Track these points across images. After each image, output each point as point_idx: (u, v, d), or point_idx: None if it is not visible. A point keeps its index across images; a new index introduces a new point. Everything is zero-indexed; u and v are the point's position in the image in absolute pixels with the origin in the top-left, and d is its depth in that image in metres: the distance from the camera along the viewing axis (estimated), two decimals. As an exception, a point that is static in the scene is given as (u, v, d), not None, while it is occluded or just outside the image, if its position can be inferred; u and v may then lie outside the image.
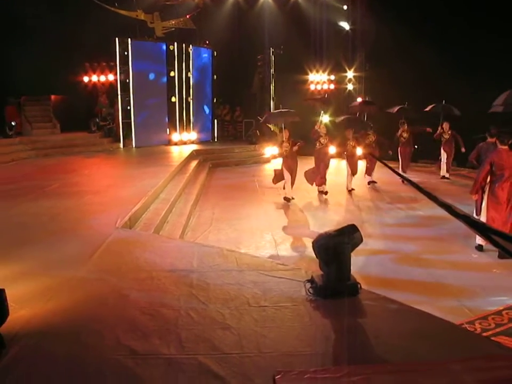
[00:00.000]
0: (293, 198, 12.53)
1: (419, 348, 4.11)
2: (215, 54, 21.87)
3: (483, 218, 8.52)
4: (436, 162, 16.48)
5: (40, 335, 4.29)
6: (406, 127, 15.68)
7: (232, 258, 6.41)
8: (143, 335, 4.31)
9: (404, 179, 11.15)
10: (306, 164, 13.54)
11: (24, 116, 18.69)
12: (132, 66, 18.74)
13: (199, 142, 21.03)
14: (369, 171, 14.83)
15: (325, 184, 13.31)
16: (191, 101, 20.86)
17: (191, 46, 20.53)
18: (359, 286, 5.12)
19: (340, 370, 3.63)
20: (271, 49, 22.28)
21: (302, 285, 5.25)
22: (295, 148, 12.45)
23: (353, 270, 5.20)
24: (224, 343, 4.17)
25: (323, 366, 3.80)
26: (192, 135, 20.91)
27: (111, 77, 20.20)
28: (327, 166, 13.44)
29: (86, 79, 20.44)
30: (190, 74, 20.64)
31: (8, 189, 10.75)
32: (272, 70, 22.59)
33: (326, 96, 20.25)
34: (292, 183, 12.62)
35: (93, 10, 17.26)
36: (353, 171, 13.80)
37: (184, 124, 20.71)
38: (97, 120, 19.80)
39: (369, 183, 14.65)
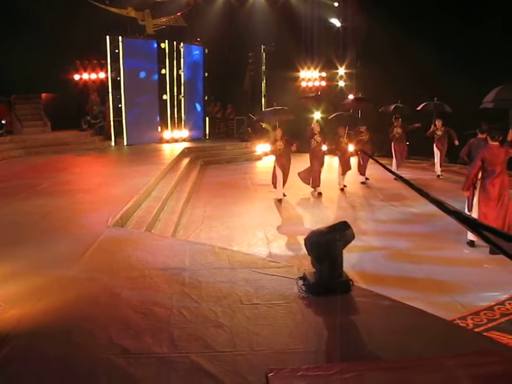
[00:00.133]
0: (284, 195, 12.53)
1: (412, 344, 4.12)
2: (207, 52, 21.81)
3: (474, 214, 8.55)
4: (430, 160, 16.45)
5: (31, 335, 4.26)
6: (400, 122, 15.64)
7: (224, 256, 6.40)
8: (135, 334, 4.29)
9: (396, 176, 11.15)
10: (299, 162, 13.52)
11: (15, 114, 18.59)
12: (122, 64, 18.65)
13: (191, 139, 20.99)
14: (362, 170, 14.71)
15: (319, 185, 13.20)
16: (183, 98, 20.82)
17: (182, 43, 20.49)
18: (351, 283, 5.12)
19: (333, 367, 3.63)
20: (262, 47, 22.25)
21: (295, 282, 5.24)
22: (293, 148, 12.42)
23: (346, 266, 5.20)
24: (216, 341, 4.16)
25: (316, 363, 3.80)
26: (184, 132, 20.87)
27: (102, 75, 20.08)
28: (322, 165, 13.35)
29: (77, 77, 20.30)
30: (181, 72, 20.60)
31: (-1, 187, 10.69)
32: (263, 67, 22.57)
33: (318, 93, 20.18)
34: (284, 182, 12.58)
35: (84, 8, 17.21)
36: (345, 169, 13.74)
37: (176, 122, 20.68)
38: (88, 118, 19.72)
39: (362, 183, 14.59)
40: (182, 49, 20.48)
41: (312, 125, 13.74)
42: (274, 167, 12.69)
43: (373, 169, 14.58)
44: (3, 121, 17.15)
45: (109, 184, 11.26)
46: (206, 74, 22.01)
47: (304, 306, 4.87)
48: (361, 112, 15.57)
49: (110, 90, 18.85)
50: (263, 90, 22.65)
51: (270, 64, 22.34)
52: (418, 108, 16.25)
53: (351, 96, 19.64)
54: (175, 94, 20.58)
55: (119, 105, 18.91)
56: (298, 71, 22.41)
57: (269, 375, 3.52)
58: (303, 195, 13.00)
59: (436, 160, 15.63)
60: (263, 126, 21.38)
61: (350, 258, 5.51)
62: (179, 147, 18.60)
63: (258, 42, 21.99)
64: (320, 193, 13.01)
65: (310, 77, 22.68)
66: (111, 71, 18.77)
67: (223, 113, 23.51)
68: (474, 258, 8.19)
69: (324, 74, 22.79)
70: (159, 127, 20.24)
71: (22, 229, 7.65)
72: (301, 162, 13.51)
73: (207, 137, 22.47)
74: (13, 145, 16.76)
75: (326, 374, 3.55)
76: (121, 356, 3.90)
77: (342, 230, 5.07)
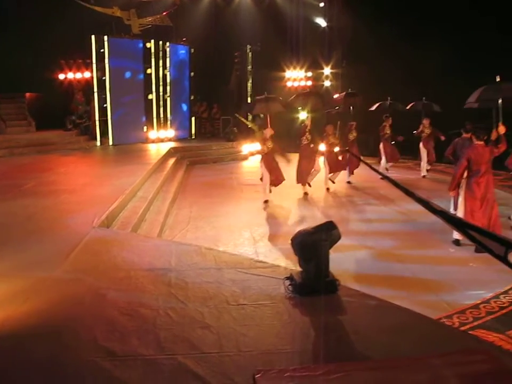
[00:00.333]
0: (270, 191, 12.44)
1: (399, 344, 4.12)
2: (192, 51, 21.76)
3: (460, 213, 8.60)
4: (416, 159, 16.42)
5: (15, 337, 4.20)
6: (390, 122, 15.57)
7: (210, 257, 6.38)
8: (121, 335, 4.26)
9: (381, 175, 11.17)
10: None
11: (-2, 113, 18.41)
12: (108, 64, 18.54)
13: (177, 139, 20.93)
14: (351, 169, 14.62)
15: (304, 184, 13.14)
16: (168, 98, 20.76)
17: (168, 43, 20.43)
18: (337, 282, 5.12)
19: (320, 368, 3.62)
20: (248, 46, 22.28)
21: (281, 283, 5.23)
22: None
23: (332, 266, 5.19)
24: (203, 343, 4.14)
25: (303, 364, 3.80)
26: (170, 132, 20.81)
27: (87, 74, 19.93)
28: (311, 164, 13.21)
29: (61, 76, 20.14)
30: (167, 72, 20.55)
31: (-18, 188, 10.58)
32: (249, 67, 22.59)
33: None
34: (271, 184, 12.35)
35: (69, 7, 17.08)
36: (333, 168, 13.66)
37: (162, 121, 20.62)
38: (73, 118, 19.56)
39: (348, 182, 14.55)
40: (167, 49, 20.43)
41: (306, 122, 13.56)
42: (261, 167, 12.44)
43: (359, 168, 14.61)
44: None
45: (95, 185, 11.19)
46: (192, 74, 21.95)
47: (291, 306, 4.86)
48: (352, 107, 15.41)
49: (95, 90, 18.71)
50: (249, 90, 22.66)
51: (256, 64, 22.38)
52: (407, 108, 16.26)
53: (336, 96, 19.68)
54: (161, 93, 20.52)
55: (105, 105, 18.80)
56: (284, 71, 22.45)
57: (256, 376, 3.51)
58: (289, 195, 12.96)
59: (422, 160, 15.61)
60: (249, 126, 21.41)
61: (337, 258, 5.50)
62: (165, 147, 18.54)
63: (244, 42, 22.02)
64: (306, 193, 12.98)
65: (295, 76, 22.74)
66: (97, 71, 18.64)
67: (209, 113, 23.48)
68: (460, 257, 8.24)
69: (309, 74, 22.86)
70: (145, 127, 20.15)
71: (6, 230, 7.55)
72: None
73: (193, 137, 22.40)
74: (-4, 145, 16.58)
75: (313, 374, 3.54)
76: (107, 359, 3.87)
77: (328, 230, 5.07)
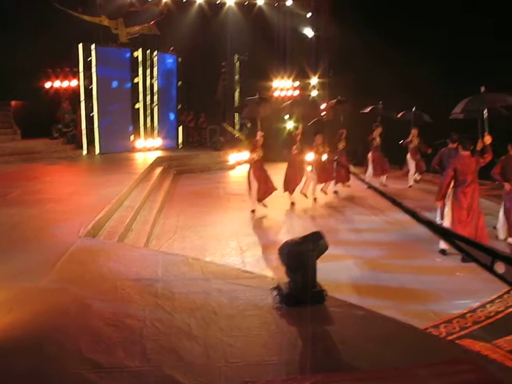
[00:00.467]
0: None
1: (386, 354, 4.13)
2: (180, 60, 21.76)
3: (446, 223, 8.65)
4: (402, 169, 16.22)
5: (-1, 348, 4.16)
6: (380, 131, 15.43)
7: (197, 267, 6.36)
8: (106, 347, 4.22)
9: (368, 185, 11.21)
10: (276, 168, 13.46)
11: (-17, 121, 18.28)
12: (95, 72, 18.47)
13: (164, 148, 20.83)
14: (338, 179, 14.51)
15: (291, 192, 13.06)
16: (156, 107, 20.72)
17: (155, 52, 20.41)
18: (325, 293, 5.12)
19: (307, 379, 3.60)
20: (236, 56, 22.33)
21: (268, 293, 5.23)
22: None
23: (319, 276, 5.20)
24: (190, 354, 4.12)
25: (290, 375, 3.78)
26: (157, 141, 20.73)
27: (74, 83, 19.84)
28: (302, 174, 13.19)
29: (48, 84, 20.03)
30: (154, 81, 20.51)
31: (-33, 197, 10.48)
32: (236, 77, 22.63)
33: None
34: (259, 194, 12.08)
35: (56, 15, 17.00)
36: (321, 178, 13.63)
37: (149, 130, 20.55)
38: (60, 126, 19.43)
39: (334, 192, 14.46)
40: (155, 58, 20.40)
41: (297, 131, 13.48)
42: (248, 176, 12.21)
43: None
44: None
45: (81, 194, 11.11)
46: (179, 83, 21.93)
47: (278, 316, 4.85)
48: (343, 115, 15.32)
49: (82, 98, 18.63)
50: (236, 100, 22.68)
51: (243, 74, 22.42)
52: (398, 116, 16.17)
53: (323, 106, 19.76)
54: (148, 102, 20.46)
55: (91, 114, 18.70)
56: (272, 80, 22.47)
57: (244, 387, 3.49)
58: (276, 204, 12.93)
59: (410, 171, 15.52)
60: (236, 135, 21.44)
61: (324, 268, 5.49)
62: (152, 156, 18.46)
63: (232, 51, 22.07)
64: (293, 203, 12.95)
65: (283, 86, 22.78)
66: (84, 79, 18.57)
67: (196, 122, 23.45)
68: (447, 266, 8.27)
69: (297, 83, 22.93)
70: (132, 136, 20.08)
71: (-9, 240, 7.49)
72: (277, 171, 13.43)
73: (180, 146, 22.35)
74: (-19, 154, 16.44)
75: (300, 386, 3.53)
76: (93, 371, 3.83)
77: (315, 240, 5.08)
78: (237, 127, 22.53)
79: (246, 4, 21.38)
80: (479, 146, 9.05)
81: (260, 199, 12.16)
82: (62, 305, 5.09)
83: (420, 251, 9.01)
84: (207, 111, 23.16)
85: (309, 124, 14.76)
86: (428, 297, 7.01)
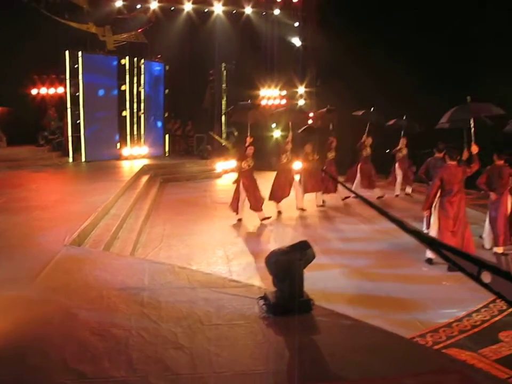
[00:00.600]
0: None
1: (373, 364, 4.12)
2: (167, 68, 21.75)
3: (432, 232, 8.69)
4: (388, 178, 16.08)
5: (-18, 359, 4.10)
6: (371, 141, 15.13)
7: (183, 275, 6.32)
8: (92, 356, 4.18)
9: (355, 195, 11.23)
10: (263, 178, 13.44)
11: (-32, 128, 18.15)
12: (82, 80, 18.40)
13: (150, 156, 20.76)
14: (326, 190, 14.24)
15: (279, 201, 12.96)
16: (142, 115, 20.67)
17: (142, 60, 20.39)
18: (312, 302, 5.11)
19: (295, 389, 3.60)
20: (223, 64, 22.37)
21: (255, 302, 5.20)
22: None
23: (306, 285, 5.18)
24: (176, 364, 4.08)
25: (277, 385, 3.76)
26: (143, 149, 20.67)
27: (60, 90, 19.78)
28: (290, 184, 13.09)
29: (34, 91, 19.96)
30: (141, 89, 20.47)
31: (-49, 204, 10.37)
32: (224, 85, 22.66)
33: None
34: (251, 203, 11.93)
35: (43, 21, 16.95)
36: (307, 188, 13.49)
37: (135, 138, 20.49)
38: (46, 133, 19.37)
39: (323, 202, 14.13)
40: (142, 66, 20.37)
41: (287, 140, 13.41)
42: (237, 186, 12.04)
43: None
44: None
45: (67, 201, 11.04)
46: (167, 91, 21.91)
47: (265, 326, 4.83)
48: (332, 124, 15.24)
49: (68, 105, 18.55)
50: (223, 108, 22.70)
51: (231, 82, 22.46)
52: (390, 123, 15.91)
53: (311, 115, 19.79)
54: (135, 110, 20.41)
55: (78, 121, 18.61)
56: (259, 89, 22.52)
57: (230, 398, 3.47)
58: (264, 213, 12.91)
59: (397, 180, 15.43)
60: (223, 144, 21.44)
61: (311, 277, 5.48)
62: (138, 164, 18.41)
63: (219, 60, 22.11)
64: (280, 212, 12.92)
65: (270, 95, 22.85)
66: (70, 86, 18.49)
67: (183, 131, 23.43)
68: (433, 275, 8.29)
69: (284, 92, 23.01)
70: (118, 144, 20.00)
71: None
72: (266, 180, 13.35)
73: (167, 155, 22.30)
74: (-34, 161, 16.30)
75: (287, 396, 3.51)
76: (78, 381, 3.79)
77: (302, 250, 5.07)
78: (224, 135, 22.53)
79: (234, 12, 21.45)
80: (464, 156, 9.13)
81: (254, 209, 12.03)
82: (46, 314, 5.03)
83: (406, 260, 9.03)
84: (194, 119, 23.16)
85: (299, 131, 14.72)
86: (415, 306, 7.03)
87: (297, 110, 17.44)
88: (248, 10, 21.53)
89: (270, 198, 12.88)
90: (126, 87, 19.87)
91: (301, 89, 22.92)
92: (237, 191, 12.04)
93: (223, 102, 22.73)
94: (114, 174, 16.01)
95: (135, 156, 20.22)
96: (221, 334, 4.63)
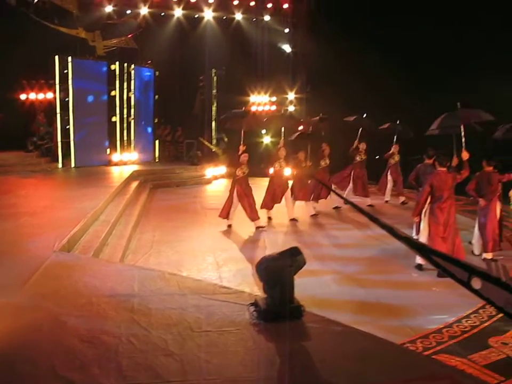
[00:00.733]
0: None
1: (363, 370, 4.12)
2: (157, 74, 21.74)
3: (422, 238, 8.72)
4: (378, 184, 16.08)
5: (-30, 367, 4.05)
6: (365, 146, 15.00)
7: (174, 282, 6.29)
8: (81, 364, 4.14)
9: (346, 201, 11.25)
10: (254, 184, 13.37)
11: (-45, 134, 17.97)
12: (71, 85, 18.35)
13: (140, 162, 20.71)
14: (316, 197, 14.16)
15: (270, 208, 12.89)
16: (132, 120, 20.63)
17: (132, 65, 20.36)
18: (302, 308, 5.11)
19: (285, 396, 3.59)
20: (213, 70, 22.39)
21: (246, 309, 5.19)
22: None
23: (297, 292, 5.18)
24: (167, 371, 4.06)
25: (268, 391, 3.75)
26: (133, 155, 20.62)
27: (49, 95, 19.70)
28: (283, 192, 12.93)
29: (23, 96, 19.87)
30: (131, 94, 20.43)
31: None
32: (214, 91, 22.67)
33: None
34: (247, 213, 11.79)
35: (32, 26, 16.91)
36: (298, 196, 13.32)
37: (125, 144, 20.44)
38: (35, 139, 19.26)
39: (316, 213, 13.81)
40: (132, 71, 20.34)
41: (280, 146, 13.34)
42: (231, 194, 11.91)
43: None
44: None
45: (56, 207, 10.98)
46: (157, 96, 21.90)
47: (256, 333, 4.82)
48: (324, 132, 15.21)
49: (58, 111, 18.49)
50: (213, 114, 22.72)
51: (221, 88, 22.47)
52: (384, 127, 15.82)
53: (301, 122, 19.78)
54: (125, 116, 20.37)
55: (67, 127, 18.55)
56: (249, 95, 22.56)
57: (221, 405, 3.45)
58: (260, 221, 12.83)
59: (388, 186, 15.46)
60: (213, 150, 21.44)
61: (302, 283, 5.48)
62: (128, 170, 18.35)
63: (210, 66, 22.13)
64: (270, 218, 12.88)
65: (260, 101, 22.89)
66: (60, 92, 18.44)
67: (173, 136, 23.41)
68: (423, 281, 8.32)
69: (274, 99, 23.05)
70: (108, 149, 19.95)
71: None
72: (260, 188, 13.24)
73: (157, 160, 22.25)
74: (-47, 167, 16.18)
75: (278, 403, 3.50)
76: (67, 389, 3.76)
77: (293, 256, 5.07)
78: (214, 141, 22.54)
79: (224, 18, 21.52)
80: (454, 162, 9.17)
81: (252, 219, 11.91)
82: (35, 321, 4.99)
83: (396, 266, 9.05)
84: (184, 125, 23.16)
85: (291, 138, 14.70)
86: (405, 312, 7.04)
87: (288, 116, 17.45)
88: (238, 16, 21.61)
89: (262, 207, 12.76)
90: (116, 93, 19.84)
91: (291, 95, 22.98)
92: (230, 198, 11.96)
93: (213, 108, 22.75)
94: (104, 180, 15.95)
95: (125, 161, 20.16)
96: (211, 341, 4.61)
